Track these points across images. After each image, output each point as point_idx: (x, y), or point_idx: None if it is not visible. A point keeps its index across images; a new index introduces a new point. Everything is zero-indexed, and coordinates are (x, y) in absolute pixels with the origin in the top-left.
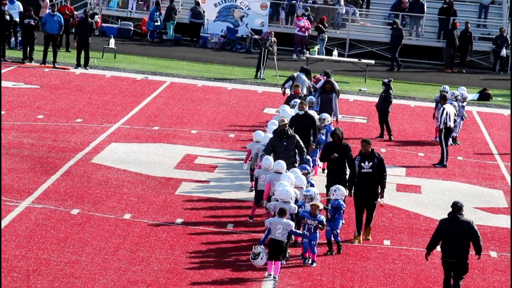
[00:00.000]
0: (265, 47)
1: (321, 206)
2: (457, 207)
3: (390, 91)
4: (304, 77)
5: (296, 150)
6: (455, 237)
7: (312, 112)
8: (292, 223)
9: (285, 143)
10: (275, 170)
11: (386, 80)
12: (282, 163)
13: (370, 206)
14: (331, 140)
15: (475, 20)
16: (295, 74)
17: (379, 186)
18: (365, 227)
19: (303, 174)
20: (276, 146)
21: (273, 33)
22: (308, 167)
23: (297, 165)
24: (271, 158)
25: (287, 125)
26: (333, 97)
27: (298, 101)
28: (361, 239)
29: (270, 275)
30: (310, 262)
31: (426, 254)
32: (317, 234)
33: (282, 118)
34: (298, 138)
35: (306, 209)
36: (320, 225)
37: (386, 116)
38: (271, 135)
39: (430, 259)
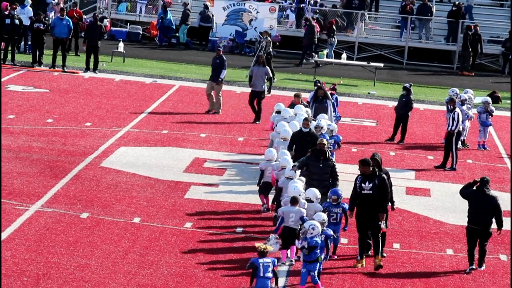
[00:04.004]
0: (262, 49)
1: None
2: (484, 182)
3: (411, 96)
4: (257, 68)
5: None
6: (481, 207)
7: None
8: (304, 210)
9: (321, 165)
10: (281, 166)
11: (407, 85)
12: (288, 159)
13: (373, 230)
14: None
15: (483, 22)
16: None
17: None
18: (374, 254)
19: (333, 199)
20: (311, 165)
21: (268, 33)
22: (340, 191)
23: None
24: (273, 150)
25: (325, 145)
26: (328, 105)
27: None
28: (364, 263)
29: (284, 263)
30: None
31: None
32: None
33: (320, 139)
34: (335, 163)
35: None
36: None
37: (406, 120)
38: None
39: (440, 262)
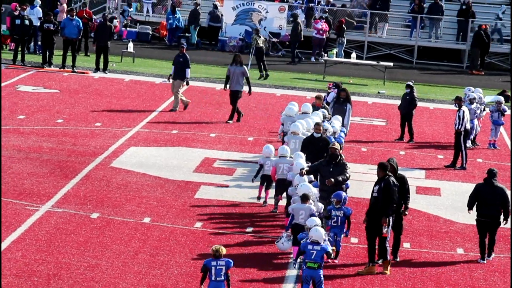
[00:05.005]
0: (253, 47)
1: None
2: (492, 174)
3: (415, 93)
4: (234, 68)
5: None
6: (489, 199)
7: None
8: (314, 208)
9: (331, 169)
10: (280, 155)
11: (410, 82)
12: (286, 148)
13: (379, 235)
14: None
15: (492, 21)
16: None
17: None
18: (382, 259)
19: (335, 202)
20: (322, 170)
21: (258, 30)
22: (342, 194)
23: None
24: (271, 146)
25: (338, 150)
26: (347, 109)
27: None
28: (374, 270)
29: (295, 261)
30: None
31: (468, 210)
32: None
33: (333, 143)
34: (348, 167)
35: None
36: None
37: (411, 118)
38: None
39: (450, 261)
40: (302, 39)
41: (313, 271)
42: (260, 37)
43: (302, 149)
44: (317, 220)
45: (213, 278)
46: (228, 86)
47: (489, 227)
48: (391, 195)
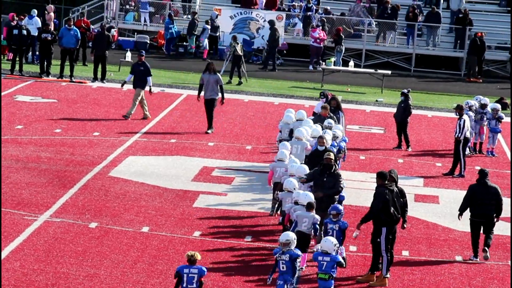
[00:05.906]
0: (230, 54)
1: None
2: (484, 174)
3: (409, 101)
4: (208, 76)
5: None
6: (484, 199)
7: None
8: (318, 217)
9: (324, 179)
10: (278, 159)
11: (405, 90)
12: (285, 152)
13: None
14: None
15: (490, 29)
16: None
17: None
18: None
19: (332, 215)
20: (316, 179)
21: (235, 36)
22: (340, 207)
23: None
24: (287, 144)
25: (332, 160)
26: (340, 116)
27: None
28: (373, 278)
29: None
30: None
31: (459, 216)
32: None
33: (328, 152)
34: (341, 178)
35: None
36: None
37: (405, 126)
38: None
39: (449, 269)
40: (280, 45)
41: (324, 282)
42: (238, 43)
43: (308, 163)
44: (291, 235)
45: (184, 285)
46: (201, 94)
47: (484, 227)
48: (372, 204)
